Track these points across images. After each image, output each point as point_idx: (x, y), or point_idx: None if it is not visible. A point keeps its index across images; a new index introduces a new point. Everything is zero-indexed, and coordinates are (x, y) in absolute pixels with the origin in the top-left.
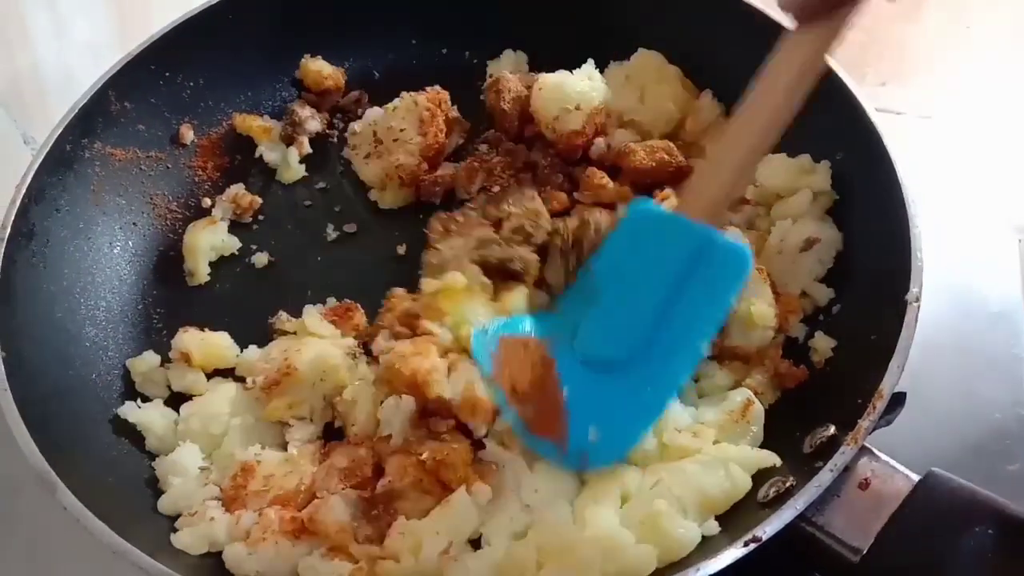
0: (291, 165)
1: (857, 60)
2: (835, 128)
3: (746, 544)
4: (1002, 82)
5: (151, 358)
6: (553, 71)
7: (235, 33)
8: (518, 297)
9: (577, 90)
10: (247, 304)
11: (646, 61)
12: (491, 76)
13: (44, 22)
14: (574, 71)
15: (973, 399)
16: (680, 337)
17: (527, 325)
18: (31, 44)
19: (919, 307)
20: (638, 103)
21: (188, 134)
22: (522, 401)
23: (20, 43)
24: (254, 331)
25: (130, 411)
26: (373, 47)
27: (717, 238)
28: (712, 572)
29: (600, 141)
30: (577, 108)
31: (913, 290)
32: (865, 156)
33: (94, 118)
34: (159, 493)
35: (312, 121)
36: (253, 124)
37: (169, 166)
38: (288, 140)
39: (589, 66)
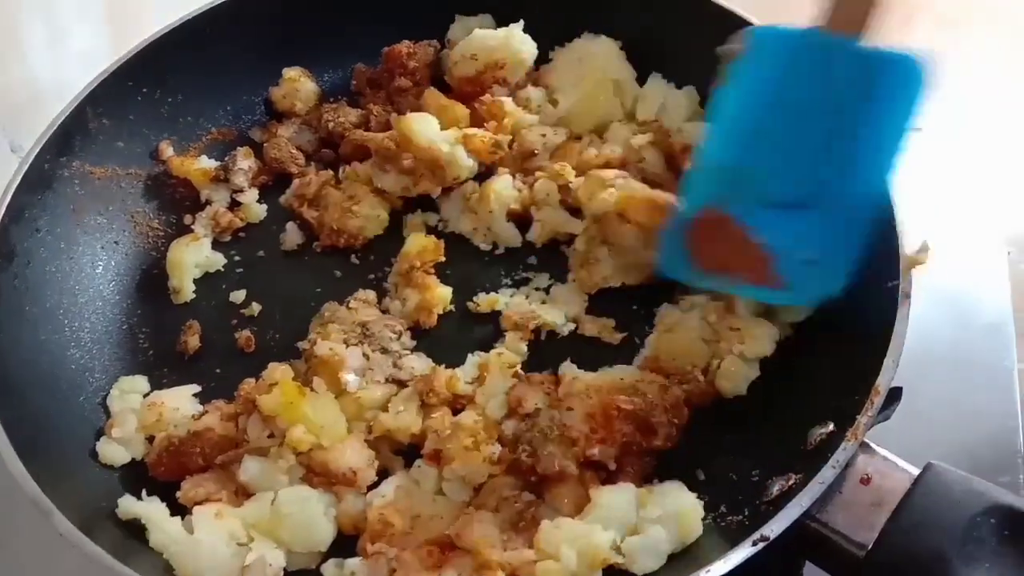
0: (251, 206)
1: None
2: None
3: (755, 543)
4: (993, 95)
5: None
6: None
7: (214, 47)
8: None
9: (483, 43)
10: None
11: (598, 51)
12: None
13: (39, 32)
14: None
15: (964, 411)
16: (866, 159)
17: (699, 197)
18: (25, 54)
19: (910, 303)
20: (571, 87)
21: (167, 150)
22: (729, 268)
23: (14, 53)
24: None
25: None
26: (353, 60)
27: (875, 53)
28: (722, 572)
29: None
30: (473, 57)
31: (899, 283)
32: None
33: (72, 136)
34: None
35: (240, 175)
36: (192, 168)
37: (149, 183)
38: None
39: (518, 26)
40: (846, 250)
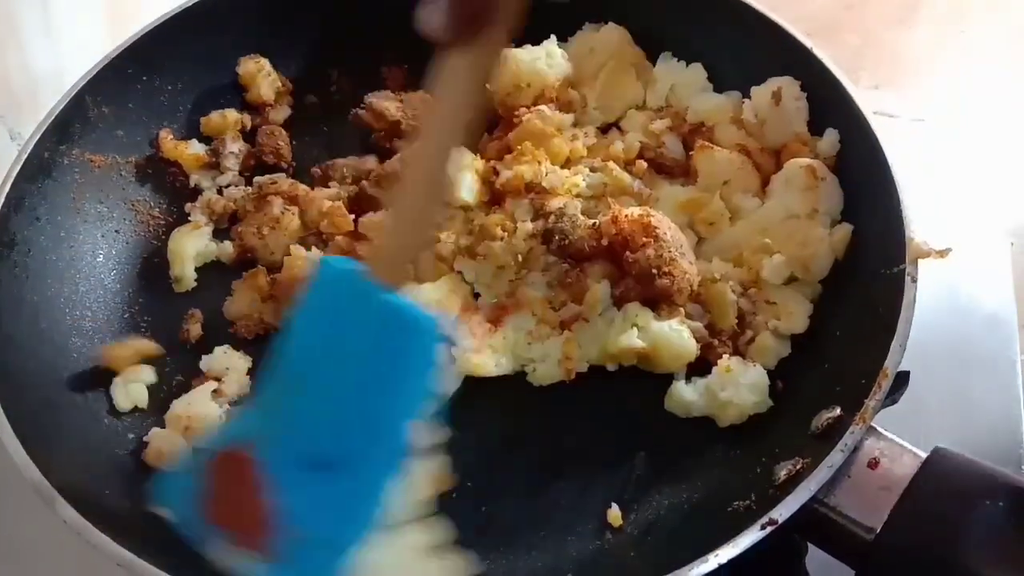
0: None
1: (851, 63)
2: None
3: (763, 527)
4: (995, 86)
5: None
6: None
7: (212, 35)
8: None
9: (532, 68)
10: None
11: (609, 38)
12: None
13: (35, 20)
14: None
15: (966, 402)
16: (377, 424)
17: (234, 432)
18: (21, 42)
19: (917, 287)
20: (594, 78)
21: (167, 138)
22: (229, 523)
23: (10, 41)
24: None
25: None
26: (357, 47)
27: (394, 303)
28: (731, 556)
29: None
30: (528, 86)
31: (906, 267)
32: (854, 148)
33: (71, 124)
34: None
35: (231, 158)
36: (184, 152)
37: (149, 171)
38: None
39: (551, 43)
40: (350, 532)
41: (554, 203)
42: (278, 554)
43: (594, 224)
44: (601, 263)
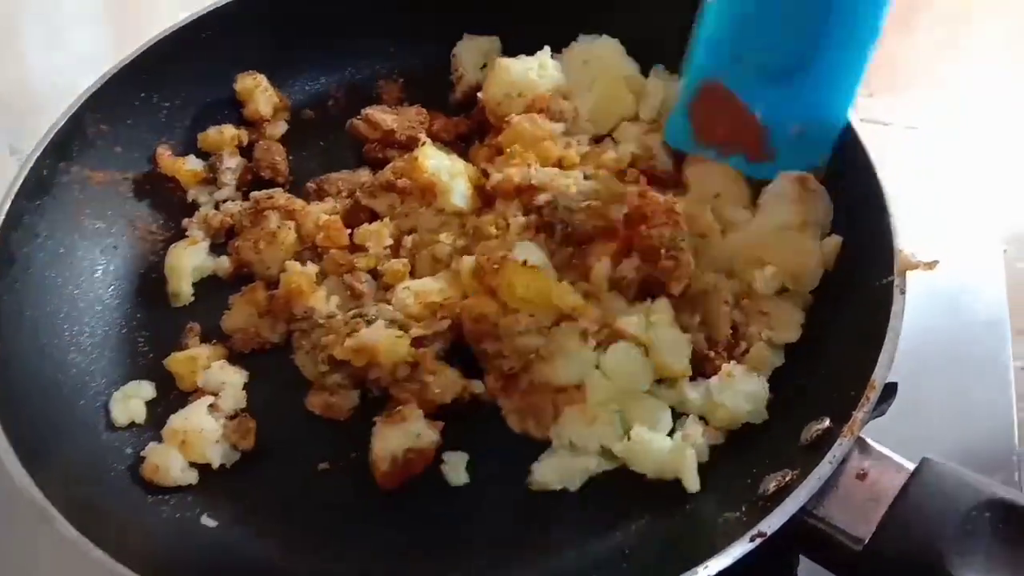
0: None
1: None
2: None
3: (752, 539)
4: (989, 94)
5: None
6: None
7: (211, 52)
8: None
9: (523, 77)
10: None
11: (603, 51)
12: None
13: (38, 35)
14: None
15: (959, 408)
16: (845, 29)
17: (701, 74)
18: (23, 55)
19: (905, 298)
20: (587, 91)
21: (165, 154)
22: (727, 141)
23: (11, 54)
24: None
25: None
26: (353, 62)
27: None
28: (720, 568)
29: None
30: (519, 95)
31: (894, 279)
32: (844, 160)
33: (71, 141)
34: (157, 516)
35: (228, 174)
36: (181, 168)
37: (148, 188)
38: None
39: (544, 54)
40: (831, 119)
41: (542, 197)
42: (775, 151)
43: (591, 204)
44: (601, 243)
